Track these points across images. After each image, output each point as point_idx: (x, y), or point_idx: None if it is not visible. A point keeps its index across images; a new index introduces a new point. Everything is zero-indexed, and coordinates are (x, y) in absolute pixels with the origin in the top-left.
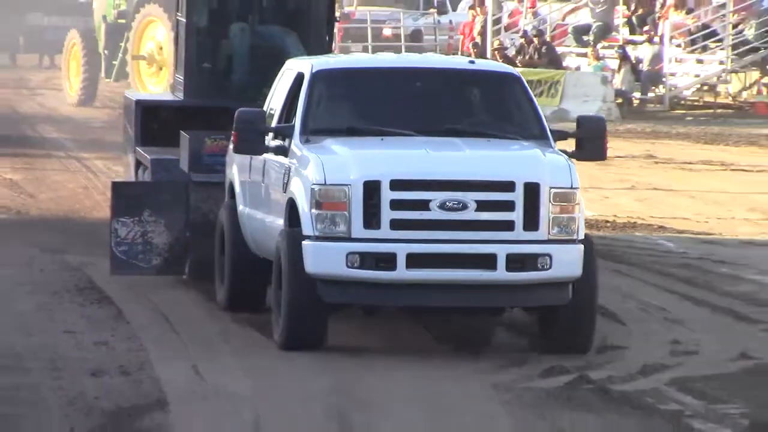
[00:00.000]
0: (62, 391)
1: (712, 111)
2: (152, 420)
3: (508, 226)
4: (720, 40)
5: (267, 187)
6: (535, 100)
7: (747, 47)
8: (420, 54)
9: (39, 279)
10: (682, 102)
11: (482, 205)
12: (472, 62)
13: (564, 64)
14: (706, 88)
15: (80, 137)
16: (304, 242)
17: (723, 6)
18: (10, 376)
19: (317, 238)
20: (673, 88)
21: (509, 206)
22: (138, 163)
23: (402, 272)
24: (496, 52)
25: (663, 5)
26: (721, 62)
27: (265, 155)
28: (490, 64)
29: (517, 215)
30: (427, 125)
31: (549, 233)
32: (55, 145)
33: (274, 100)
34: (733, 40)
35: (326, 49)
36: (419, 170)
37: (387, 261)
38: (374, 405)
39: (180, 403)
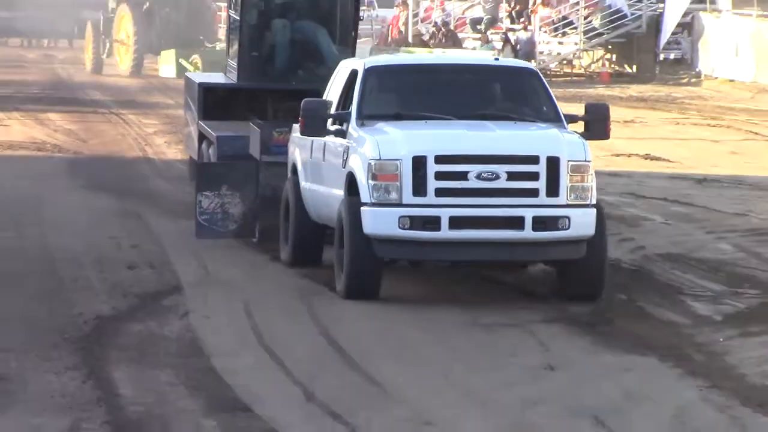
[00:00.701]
0: (107, 281)
1: (569, 79)
2: (171, 300)
3: (534, 193)
4: (575, 28)
5: (327, 164)
6: (549, 89)
7: (594, 32)
8: (456, 52)
9: (89, 203)
10: (549, 72)
11: (512, 176)
12: (496, 59)
13: (464, 46)
14: (565, 62)
15: (118, 98)
16: (362, 208)
17: (577, 3)
18: (70, 269)
19: (373, 205)
20: (542, 62)
21: (535, 176)
22: (201, 137)
23: (445, 232)
24: (415, 37)
25: (534, 2)
26: (576, 44)
27: (326, 138)
28: (511, 61)
29: (541, 184)
30: (462, 111)
31: (567, 199)
32: (101, 105)
33: (332, 93)
34: (584, 27)
35: (351, 43)
36: (459, 147)
37: (432, 223)
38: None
39: (191, 288)
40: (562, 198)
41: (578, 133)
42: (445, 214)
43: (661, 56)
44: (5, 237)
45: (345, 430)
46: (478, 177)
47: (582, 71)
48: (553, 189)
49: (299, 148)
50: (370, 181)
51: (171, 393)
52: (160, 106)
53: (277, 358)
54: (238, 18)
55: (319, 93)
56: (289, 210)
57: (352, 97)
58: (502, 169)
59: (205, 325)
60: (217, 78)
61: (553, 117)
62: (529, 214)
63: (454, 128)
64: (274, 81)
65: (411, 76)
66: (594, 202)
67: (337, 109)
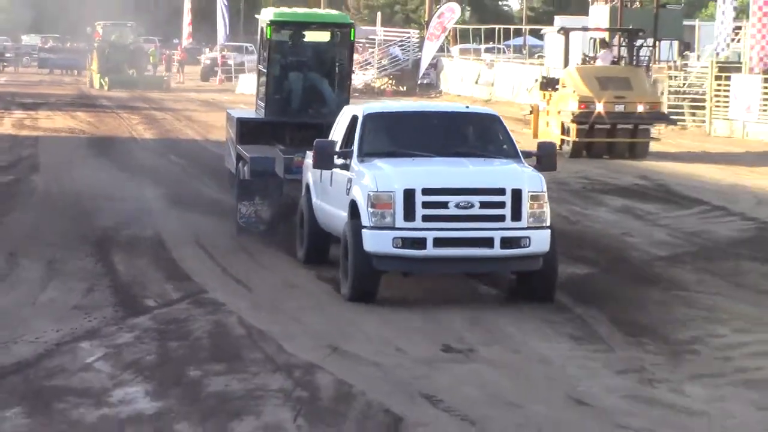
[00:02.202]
0: (107, 207)
1: (370, 94)
2: (148, 218)
3: (501, 218)
4: (371, 65)
5: (334, 190)
6: (509, 130)
7: (383, 67)
8: (435, 102)
9: (98, 162)
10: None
11: (484, 204)
12: (467, 107)
13: None
14: (367, 84)
15: (114, 103)
16: (363, 230)
17: (373, 51)
18: (89, 200)
19: (372, 228)
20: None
21: (502, 205)
22: (238, 157)
23: (430, 250)
24: None
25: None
26: (373, 74)
27: (333, 170)
28: (478, 108)
29: (507, 211)
30: (441, 149)
31: (528, 222)
32: (106, 107)
33: (337, 132)
34: (377, 65)
35: (347, 89)
36: (441, 181)
37: (420, 243)
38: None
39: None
40: (524, 222)
41: (533, 167)
42: (430, 236)
43: (420, 81)
44: (49, 181)
45: (245, 290)
46: (457, 206)
47: (376, 89)
48: (516, 215)
49: (311, 172)
50: (369, 209)
51: (147, 270)
52: (138, 108)
53: (208, 252)
54: (265, 71)
55: (323, 125)
56: (304, 220)
57: (353, 137)
58: (476, 199)
59: (167, 229)
60: (249, 114)
61: (512, 153)
62: (497, 236)
63: (436, 165)
64: (291, 116)
65: (401, 121)
66: (548, 224)
67: (341, 147)
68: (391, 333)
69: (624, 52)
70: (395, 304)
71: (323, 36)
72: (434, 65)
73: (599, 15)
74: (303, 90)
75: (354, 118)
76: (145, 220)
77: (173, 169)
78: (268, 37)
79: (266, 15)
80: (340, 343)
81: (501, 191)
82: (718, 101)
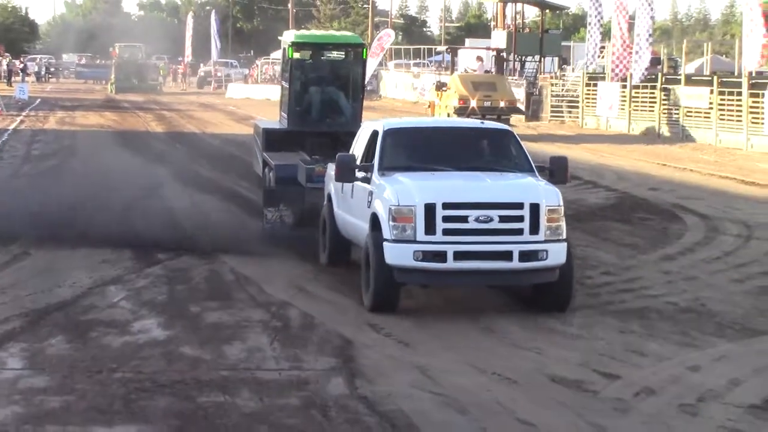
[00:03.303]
0: (126, 177)
1: None
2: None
3: (520, 232)
4: None
5: (355, 201)
6: (522, 145)
7: None
8: (451, 119)
9: (120, 149)
10: None
11: (503, 218)
12: (482, 123)
13: None
14: None
15: (133, 105)
16: (384, 243)
17: None
18: (112, 174)
19: (393, 241)
20: None
21: (520, 219)
22: (264, 163)
23: (450, 263)
24: None
25: None
26: None
27: (354, 182)
28: (493, 124)
29: (525, 224)
30: (459, 163)
31: (545, 236)
32: (126, 108)
33: (357, 147)
34: None
35: (360, 101)
36: (461, 196)
37: (440, 256)
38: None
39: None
40: (541, 235)
41: (545, 180)
42: (450, 249)
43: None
44: (84, 161)
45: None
46: (476, 220)
47: None
48: (534, 228)
49: (333, 183)
50: (391, 222)
51: (158, 231)
52: (152, 109)
53: (206, 216)
54: (287, 86)
55: (340, 134)
56: (326, 227)
57: (373, 151)
58: (495, 213)
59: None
60: (274, 125)
61: (526, 167)
62: (516, 249)
63: (455, 179)
64: (311, 126)
65: (419, 136)
66: (565, 237)
67: (362, 161)
68: (344, 283)
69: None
70: (351, 267)
71: (338, 55)
72: (375, 76)
73: (498, 38)
74: (321, 102)
75: (374, 133)
76: (157, 193)
77: (178, 155)
78: (290, 56)
79: (288, 37)
80: (305, 286)
81: (519, 205)
82: (588, 102)
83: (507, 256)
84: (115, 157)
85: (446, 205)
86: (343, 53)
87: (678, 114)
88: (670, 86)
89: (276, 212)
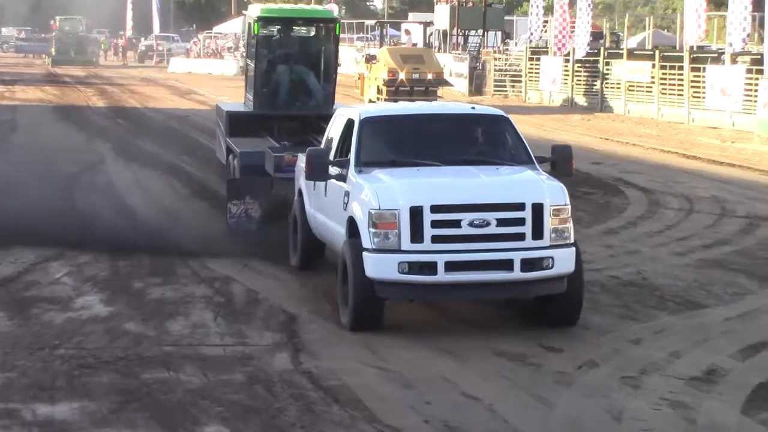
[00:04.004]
0: (71, 146)
1: None
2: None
3: (521, 237)
4: None
5: (329, 201)
6: (520, 133)
7: None
8: (436, 103)
9: (59, 124)
10: None
11: (501, 222)
12: (473, 108)
13: None
14: None
15: (74, 79)
16: (364, 253)
17: None
18: (53, 149)
19: (374, 250)
20: None
21: (521, 222)
22: (228, 150)
23: (441, 275)
24: None
25: None
26: None
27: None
28: (486, 109)
29: (527, 228)
30: (448, 156)
31: (550, 240)
32: (67, 82)
33: (331, 137)
34: None
35: (333, 81)
36: (452, 197)
37: (429, 267)
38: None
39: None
40: (546, 240)
41: (547, 173)
42: (440, 259)
43: None
44: (24, 137)
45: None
46: (471, 224)
47: None
48: (537, 232)
49: (304, 175)
50: (371, 229)
51: (101, 206)
52: (93, 83)
53: (148, 192)
54: (253, 65)
55: (310, 117)
56: (297, 226)
57: (349, 144)
58: (492, 216)
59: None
60: (238, 107)
61: (525, 159)
62: (517, 257)
63: (444, 176)
64: (279, 109)
65: (402, 125)
66: (572, 240)
67: (336, 154)
68: (287, 256)
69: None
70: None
71: (309, 31)
72: None
73: (442, 12)
74: (290, 83)
75: (349, 123)
76: (98, 168)
77: (119, 130)
78: (255, 32)
79: (253, 11)
80: (250, 262)
81: (520, 206)
82: (531, 76)
83: (507, 265)
84: (55, 133)
85: (435, 208)
86: (314, 29)
87: (596, 85)
88: (591, 59)
89: (241, 206)
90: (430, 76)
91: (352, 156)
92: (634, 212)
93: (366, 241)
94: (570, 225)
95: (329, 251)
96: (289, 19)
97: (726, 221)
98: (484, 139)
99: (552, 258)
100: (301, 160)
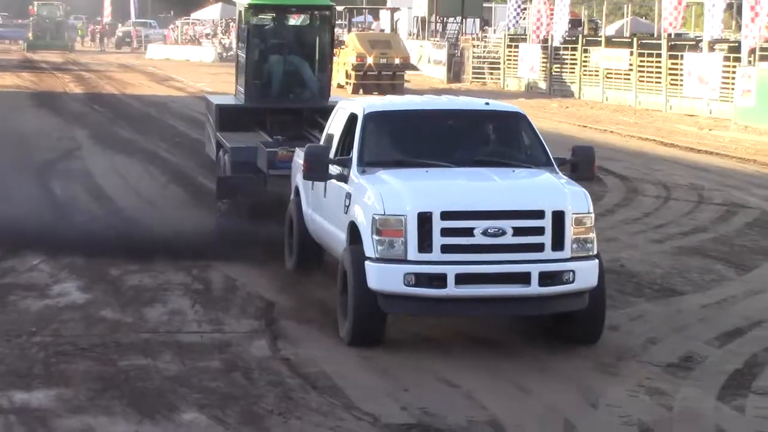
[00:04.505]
0: (49, 133)
1: None
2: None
3: (540, 247)
4: None
5: (328, 202)
6: (538, 132)
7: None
8: (446, 98)
9: (36, 110)
10: None
11: (518, 231)
12: (487, 104)
13: None
14: None
15: (52, 65)
16: (366, 262)
17: None
18: (33, 137)
19: (378, 260)
20: None
21: (540, 231)
22: (218, 145)
23: (451, 289)
24: None
25: None
26: None
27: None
28: (500, 105)
29: (546, 238)
30: (459, 157)
31: (572, 252)
32: (44, 69)
33: (331, 135)
34: None
35: (328, 72)
36: (464, 202)
37: (438, 280)
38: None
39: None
40: (567, 251)
41: (567, 176)
42: (451, 271)
43: None
44: (1, 124)
45: (153, 207)
46: (484, 233)
47: None
48: (558, 243)
49: (301, 174)
50: (375, 236)
51: (78, 193)
52: (70, 69)
53: (124, 178)
54: (244, 55)
55: (304, 110)
56: (293, 227)
57: (351, 140)
58: (509, 224)
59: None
60: (229, 100)
61: (544, 161)
62: (535, 270)
63: (456, 179)
64: (271, 101)
65: (410, 121)
66: (596, 252)
67: (337, 152)
68: (267, 245)
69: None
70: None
71: (303, 19)
72: None
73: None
74: (283, 74)
75: (352, 118)
76: (75, 154)
77: (96, 116)
78: (247, 21)
79: None
80: (227, 248)
81: (539, 214)
82: (509, 63)
83: (524, 278)
84: (32, 119)
85: (446, 215)
86: (309, 17)
87: (575, 72)
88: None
89: (232, 205)
90: (397, 61)
91: (354, 154)
92: (611, 200)
93: (369, 249)
94: (593, 235)
95: (329, 255)
96: (282, 7)
97: (703, 208)
98: (499, 138)
99: (573, 271)
100: (298, 156)
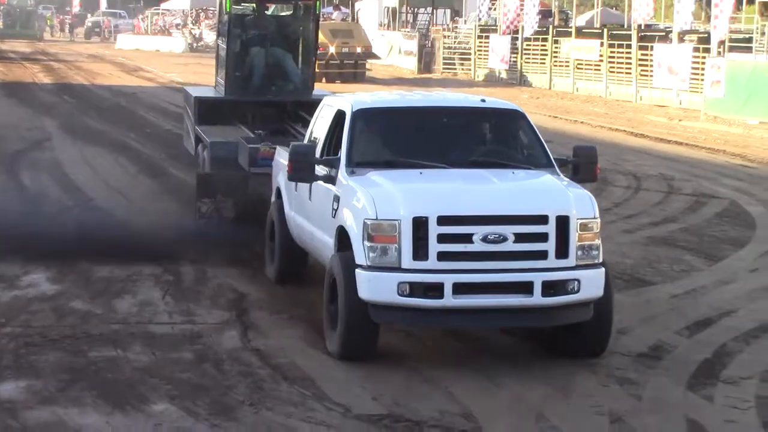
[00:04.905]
0: (18, 125)
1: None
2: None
3: (543, 255)
4: None
5: (314, 205)
6: (537, 131)
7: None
8: (439, 94)
9: (7, 101)
10: None
11: (520, 237)
12: (483, 101)
13: None
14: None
15: (21, 55)
16: (357, 270)
17: None
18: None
19: (369, 268)
20: None
21: (544, 237)
22: (197, 139)
23: (449, 299)
24: None
25: None
26: None
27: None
28: (498, 102)
29: (550, 245)
30: (455, 158)
31: (577, 259)
32: (13, 58)
33: (317, 132)
34: None
35: (312, 65)
36: (463, 206)
37: (435, 290)
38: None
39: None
40: (571, 259)
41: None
42: (448, 280)
43: None
44: None
45: (124, 199)
46: (484, 239)
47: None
48: (562, 250)
49: (283, 173)
50: (366, 242)
51: (47, 184)
52: (39, 60)
53: (94, 169)
54: (225, 46)
55: (287, 104)
56: (274, 232)
57: (338, 139)
58: (510, 230)
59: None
60: (209, 92)
61: (544, 162)
62: (538, 279)
63: (452, 181)
64: (253, 94)
65: (400, 120)
66: (602, 260)
67: (323, 151)
68: (237, 235)
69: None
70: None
71: (286, 9)
72: None
73: None
74: (265, 66)
75: (339, 115)
76: (45, 145)
77: (66, 107)
78: (227, 10)
79: None
80: (198, 239)
81: (543, 219)
82: (480, 54)
83: (526, 288)
84: (1, 109)
85: (443, 220)
86: (292, 7)
87: (545, 63)
88: (540, 37)
89: (212, 204)
90: (359, 50)
91: (342, 154)
92: None
93: (359, 256)
94: (599, 242)
95: (316, 262)
96: None
97: (673, 199)
98: (496, 138)
99: (578, 280)
100: (280, 156)
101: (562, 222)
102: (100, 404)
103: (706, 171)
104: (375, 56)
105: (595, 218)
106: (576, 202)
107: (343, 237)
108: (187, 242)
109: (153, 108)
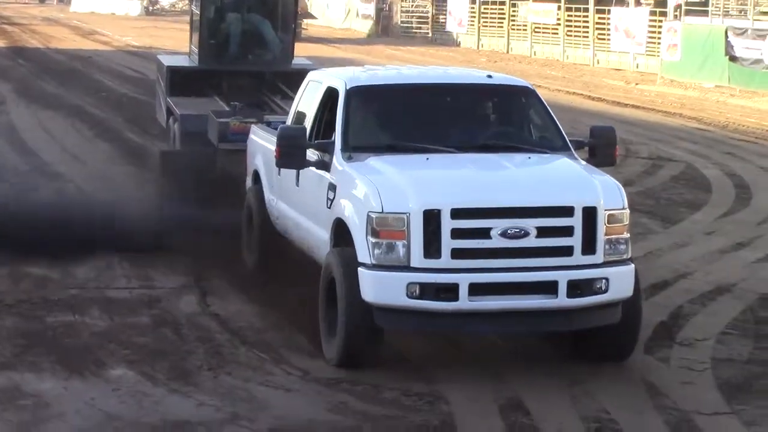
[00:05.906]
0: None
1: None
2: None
3: (568, 251)
4: None
5: (302, 191)
6: (549, 109)
7: None
8: (440, 68)
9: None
10: None
11: (543, 231)
12: (489, 77)
13: None
14: None
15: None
16: (360, 269)
17: None
18: None
19: (374, 267)
20: None
21: (569, 231)
22: (168, 111)
23: (464, 302)
24: None
25: None
26: None
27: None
28: (506, 78)
29: (576, 240)
30: (463, 140)
31: (604, 255)
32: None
33: (303, 109)
34: None
35: (292, 32)
36: (479, 198)
37: (449, 291)
38: None
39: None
40: (599, 255)
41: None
42: (463, 280)
43: None
44: None
45: (80, 163)
46: (504, 234)
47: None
48: (589, 245)
49: (262, 155)
50: (370, 238)
51: (3, 150)
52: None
53: (50, 133)
54: (198, 12)
55: (265, 74)
56: (253, 219)
57: (330, 120)
58: (532, 223)
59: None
60: (181, 61)
61: (560, 144)
62: (563, 278)
63: (464, 168)
64: (228, 64)
65: (400, 98)
66: (630, 256)
67: (312, 133)
68: (195, 201)
69: None
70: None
71: None
72: None
73: None
74: (242, 34)
75: (331, 93)
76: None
77: (21, 70)
78: None
79: None
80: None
81: (568, 211)
82: (437, 18)
83: (550, 288)
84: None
85: (457, 212)
86: None
87: (503, 27)
88: (498, 1)
89: (176, 185)
90: None
91: (337, 137)
92: None
93: (363, 253)
94: (628, 235)
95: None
96: None
97: (630, 162)
98: (506, 118)
99: (606, 279)
100: (257, 134)
101: (589, 214)
102: (58, 369)
103: (663, 134)
104: (311, 15)
105: (624, 209)
106: (603, 190)
107: (341, 232)
108: (151, 230)
109: (109, 72)
